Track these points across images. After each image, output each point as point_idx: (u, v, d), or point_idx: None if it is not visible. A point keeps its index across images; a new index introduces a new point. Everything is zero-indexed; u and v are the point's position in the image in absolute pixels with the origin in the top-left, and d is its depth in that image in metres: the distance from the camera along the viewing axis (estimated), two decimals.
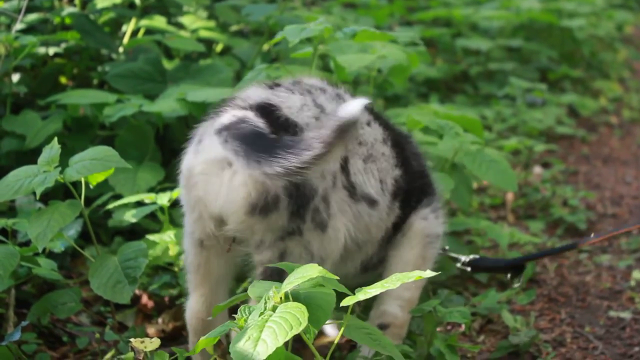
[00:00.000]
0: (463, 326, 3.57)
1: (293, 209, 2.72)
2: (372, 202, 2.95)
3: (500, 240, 4.00)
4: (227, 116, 2.71)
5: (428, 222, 3.17)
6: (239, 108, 2.75)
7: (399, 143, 3.12)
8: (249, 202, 2.70)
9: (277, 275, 2.67)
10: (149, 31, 4.81)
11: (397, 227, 3.14)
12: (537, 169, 5.60)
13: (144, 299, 3.70)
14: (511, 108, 6.26)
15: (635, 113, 7.09)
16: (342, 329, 2.52)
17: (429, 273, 2.40)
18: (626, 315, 3.81)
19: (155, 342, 2.70)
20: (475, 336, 3.57)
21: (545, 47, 7.40)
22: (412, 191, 3.14)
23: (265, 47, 4.91)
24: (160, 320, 3.60)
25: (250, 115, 2.70)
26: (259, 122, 2.67)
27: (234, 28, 5.47)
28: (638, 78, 8.21)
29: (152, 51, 4.60)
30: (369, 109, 3.06)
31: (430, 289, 3.68)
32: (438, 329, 3.45)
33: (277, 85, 2.90)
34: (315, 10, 6.01)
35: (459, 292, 3.85)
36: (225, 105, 2.81)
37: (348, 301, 2.42)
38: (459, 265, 3.64)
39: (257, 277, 2.79)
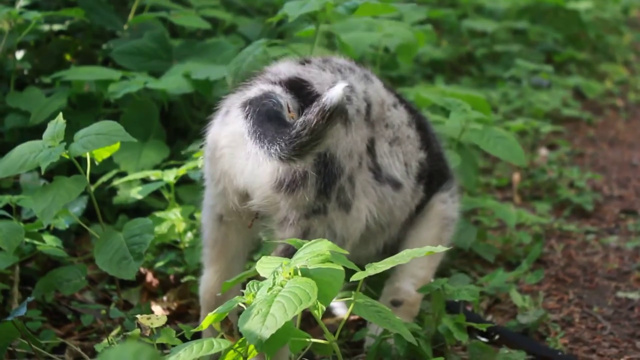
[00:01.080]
0: (472, 305, 3.55)
1: (320, 186, 2.67)
2: (396, 185, 2.93)
3: (508, 220, 3.97)
4: (255, 89, 2.67)
5: (446, 206, 3.19)
6: (268, 82, 2.71)
7: (423, 125, 3.13)
8: (276, 177, 2.65)
9: (289, 255, 2.63)
10: (154, 9, 4.77)
11: (419, 209, 3.15)
12: (543, 151, 5.57)
13: (149, 277, 3.68)
14: (517, 90, 6.23)
15: None
16: (351, 306, 2.49)
17: (440, 248, 2.37)
18: (634, 295, 3.79)
19: (162, 319, 2.68)
20: (484, 315, 3.54)
21: (551, 29, 7.36)
22: (433, 174, 3.15)
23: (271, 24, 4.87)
24: (165, 298, 3.57)
25: (278, 89, 2.66)
26: (286, 98, 2.63)
27: (240, 5, 5.43)
28: None
29: (157, 28, 4.56)
30: (393, 91, 3.08)
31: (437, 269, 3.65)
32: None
33: (308, 61, 2.86)
34: None
35: (465, 271, 3.82)
36: (255, 79, 2.77)
37: (358, 276, 2.40)
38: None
39: (277, 255, 2.74)
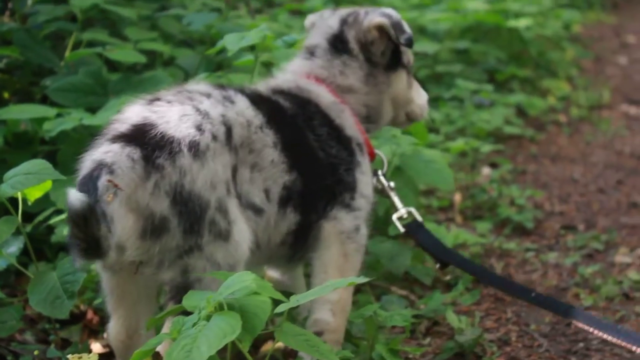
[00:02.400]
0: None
1: (185, 226, 2.68)
2: (257, 211, 2.91)
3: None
4: (93, 157, 2.66)
5: (338, 221, 3.13)
6: (111, 138, 2.71)
7: (297, 143, 3.05)
8: (138, 227, 2.66)
9: (184, 291, 2.62)
10: (92, 44, 4.78)
11: (307, 229, 3.12)
12: (486, 170, 5.64)
13: (90, 314, 3.68)
14: (459, 110, 6.30)
15: (583, 111, 7.16)
16: (277, 336, 2.52)
17: (361, 279, 2.40)
18: None
19: (93, 357, 2.69)
20: (422, 338, 3.58)
21: (493, 48, 7.45)
22: (317, 192, 3.09)
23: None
24: (105, 335, 3.58)
25: (115, 148, 2.65)
26: (123, 154, 2.63)
27: (179, 38, 5.46)
28: (586, 76, 8.30)
29: (94, 63, 4.57)
30: (267, 109, 3.01)
31: (372, 293, 3.69)
32: (387, 332, 3.47)
33: (157, 99, 2.85)
34: (261, 17, 6.00)
35: (403, 295, 3.86)
36: (105, 131, 2.77)
37: (281, 308, 2.43)
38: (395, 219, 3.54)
39: (167, 294, 2.76)
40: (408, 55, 3.44)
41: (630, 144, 6.45)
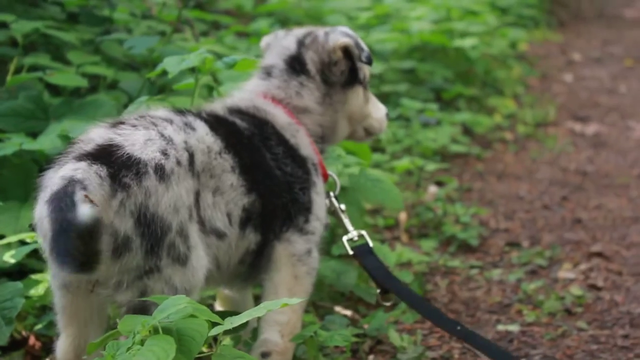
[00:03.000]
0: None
1: (147, 247, 2.70)
2: (220, 235, 2.96)
3: (387, 260, 4.03)
4: (61, 173, 2.66)
5: (290, 243, 3.18)
6: (76, 156, 2.72)
7: (255, 164, 3.09)
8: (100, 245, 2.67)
9: (141, 312, 2.65)
10: (35, 68, 4.76)
11: (265, 247, 3.16)
12: (432, 188, 5.67)
13: (32, 339, 3.65)
14: (405, 129, 6.33)
15: (529, 128, 7.24)
16: (214, 359, 2.52)
17: (295, 300, 2.41)
18: (514, 328, 3.88)
19: None
20: (365, 357, 3.58)
21: (439, 67, 7.51)
22: (274, 212, 3.13)
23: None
24: (49, 359, 3.55)
25: (83, 166, 2.66)
26: (88, 176, 2.63)
27: (123, 62, 5.45)
28: (532, 93, 8.39)
29: (36, 88, 4.55)
30: (225, 133, 3.05)
31: (316, 313, 3.69)
32: (331, 352, 3.48)
33: (121, 123, 2.87)
34: (207, 40, 6.00)
35: (346, 315, 3.86)
36: (68, 150, 2.79)
37: (215, 331, 2.43)
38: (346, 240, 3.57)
39: (122, 317, 2.76)
40: (364, 71, 3.50)
41: (575, 161, 6.52)
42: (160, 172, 2.74)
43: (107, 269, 2.70)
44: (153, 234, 2.71)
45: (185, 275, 2.78)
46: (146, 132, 2.83)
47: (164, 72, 3.88)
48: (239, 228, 3.02)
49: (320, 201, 3.29)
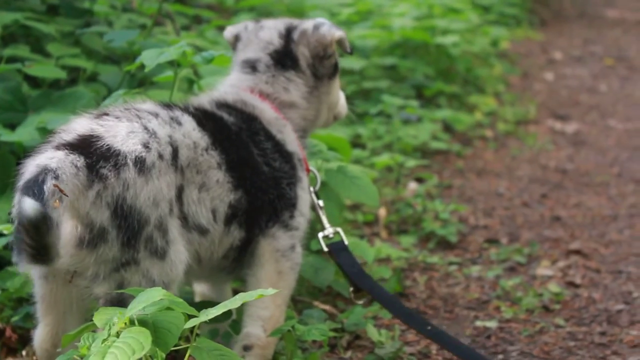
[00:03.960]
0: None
1: (123, 239, 2.70)
2: (203, 231, 2.96)
3: (366, 256, 4.03)
4: (37, 161, 2.65)
5: (275, 239, 3.18)
6: (54, 147, 2.71)
7: (242, 160, 3.09)
8: (76, 235, 2.68)
9: (118, 304, 2.64)
10: (14, 59, 4.73)
11: (250, 243, 3.16)
12: (412, 185, 5.67)
13: (8, 332, 3.63)
14: (386, 125, 6.33)
15: (510, 126, 7.25)
16: (192, 351, 2.51)
17: (271, 291, 2.40)
18: (492, 324, 3.88)
19: None
20: (343, 352, 3.58)
21: (421, 64, 7.50)
22: (260, 208, 3.14)
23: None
24: (24, 352, 3.53)
25: (60, 155, 2.64)
26: (67, 161, 2.63)
27: (103, 54, 5.42)
28: (513, 91, 8.40)
29: (13, 80, 4.52)
30: (212, 128, 3.04)
31: (295, 307, 3.68)
32: (309, 347, 3.47)
33: (105, 114, 2.87)
34: (188, 34, 5.98)
35: (325, 309, 3.86)
36: (49, 139, 2.79)
37: (192, 323, 2.42)
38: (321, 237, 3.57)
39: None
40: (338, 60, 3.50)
41: (555, 159, 6.54)
42: (140, 165, 2.74)
43: (83, 259, 2.69)
44: (130, 226, 2.70)
45: (164, 269, 2.77)
46: (129, 124, 2.82)
47: (144, 65, 3.87)
48: (224, 224, 3.02)
49: (305, 197, 3.31)
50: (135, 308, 2.38)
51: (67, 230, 2.67)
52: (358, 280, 3.45)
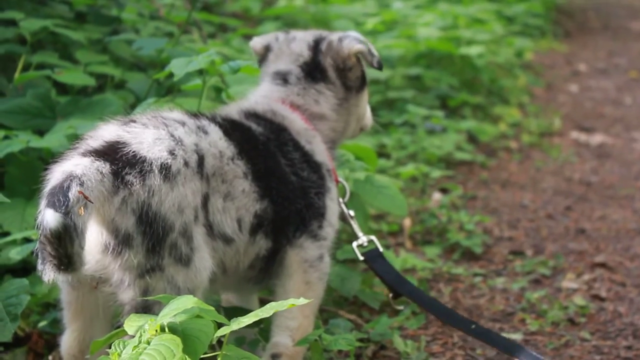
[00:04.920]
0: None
1: (148, 246, 2.71)
2: (227, 240, 2.96)
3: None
4: (56, 175, 2.65)
5: (303, 249, 3.19)
6: (82, 152, 2.73)
7: (269, 170, 3.10)
8: (101, 241, 2.69)
9: (144, 311, 2.67)
10: (42, 66, 4.77)
11: (277, 253, 3.17)
12: (437, 195, 5.66)
13: (35, 337, 3.65)
14: (410, 135, 6.33)
15: (534, 137, 7.23)
16: (219, 359, 2.52)
17: (302, 300, 2.41)
18: (517, 336, 3.87)
19: None
20: None
21: (445, 74, 7.51)
22: (287, 218, 3.14)
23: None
24: (51, 358, 3.55)
25: (86, 162, 2.66)
26: (93, 167, 2.64)
27: (130, 62, 5.45)
28: (537, 103, 8.38)
29: (43, 86, 4.56)
30: (239, 138, 3.06)
31: (321, 317, 3.69)
32: (335, 356, 3.48)
33: (132, 121, 2.88)
34: (214, 42, 6.01)
35: (350, 319, 3.86)
36: (76, 145, 2.81)
37: (222, 332, 2.42)
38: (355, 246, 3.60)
39: (125, 316, 2.76)
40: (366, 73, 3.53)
41: (579, 171, 6.52)
42: (166, 172, 2.75)
43: (108, 266, 2.71)
44: (155, 232, 2.71)
45: (188, 275, 2.78)
46: (156, 131, 2.83)
47: (172, 73, 3.89)
48: (249, 234, 3.03)
49: (333, 207, 3.32)
50: (167, 315, 2.39)
51: (93, 236, 2.68)
52: (397, 286, 3.48)
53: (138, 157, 2.73)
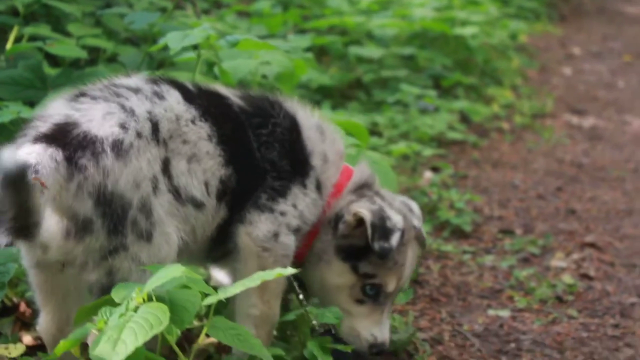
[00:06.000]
0: None
1: (110, 227, 2.67)
2: (198, 205, 2.88)
3: None
4: (9, 164, 2.51)
5: (252, 225, 3.00)
6: (33, 138, 2.69)
7: (235, 137, 2.99)
8: (62, 227, 2.66)
9: (107, 293, 2.61)
10: (34, 38, 4.75)
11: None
12: (428, 174, 5.67)
13: (22, 306, 3.65)
14: (403, 114, 6.33)
15: (526, 119, 7.24)
16: (207, 329, 2.52)
17: (291, 270, 2.41)
18: (505, 313, 3.89)
19: (20, 348, 2.68)
20: None
21: (439, 55, 7.50)
22: (246, 193, 3.01)
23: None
24: (38, 327, 3.55)
25: (37, 149, 2.62)
26: (46, 155, 2.61)
27: (123, 36, 5.44)
28: (530, 85, 8.38)
29: (34, 58, 4.54)
30: (202, 104, 2.95)
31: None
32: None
33: (83, 94, 2.82)
34: (208, 18, 5.99)
35: None
36: (27, 129, 2.76)
37: (209, 300, 2.43)
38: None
39: (93, 296, 2.74)
40: None
41: (571, 153, 6.53)
42: (118, 148, 2.69)
43: (71, 250, 2.68)
44: (115, 212, 2.68)
45: (152, 250, 2.74)
46: (106, 105, 2.77)
47: (164, 47, 3.87)
48: (217, 200, 2.93)
49: (302, 197, 3.10)
50: (154, 284, 2.39)
51: (53, 223, 2.64)
52: None
53: (89, 137, 2.67)
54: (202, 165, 2.89)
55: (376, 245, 3.03)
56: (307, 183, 3.11)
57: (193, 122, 2.90)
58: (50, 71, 4.44)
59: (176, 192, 2.82)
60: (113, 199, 2.67)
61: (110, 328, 2.33)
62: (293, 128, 3.13)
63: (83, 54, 4.51)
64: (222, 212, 2.97)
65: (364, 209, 3.08)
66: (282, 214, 3.02)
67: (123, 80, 2.95)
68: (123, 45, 5.18)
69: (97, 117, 2.72)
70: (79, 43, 4.79)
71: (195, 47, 3.96)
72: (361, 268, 3.11)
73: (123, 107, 2.78)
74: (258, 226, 2.99)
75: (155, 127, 2.80)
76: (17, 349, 2.67)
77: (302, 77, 5.36)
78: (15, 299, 3.63)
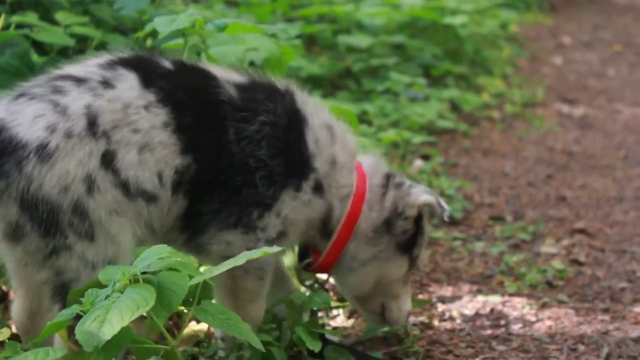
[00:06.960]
0: (336, 312, 3.59)
1: (40, 230, 2.65)
2: (150, 198, 2.78)
3: None
4: None
5: (229, 245, 2.94)
6: None
7: (201, 125, 2.85)
8: (0, 230, 2.67)
9: (62, 290, 2.66)
10: (22, 26, 4.72)
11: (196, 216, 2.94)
12: (418, 162, 5.66)
13: (12, 294, 3.63)
14: (393, 103, 6.32)
15: (517, 108, 7.24)
16: (190, 313, 2.51)
17: (276, 248, 2.40)
18: (495, 298, 3.88)
19: (5, 333, 2.66)
20: (345, 320, 3.59)
21: (429, 44, 7.49)
22: (208, 183, 2.89)
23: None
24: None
25: None
26: None
27: (112, 24, 5.41)
28: (521, 74, 8.38)
29: (21, 46, 4.51)
30: (166, 87, 2.82)
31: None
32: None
33: (23, 94, 2.76)
34: (196, 7, 5.97)
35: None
36: None
37: (195, 280, 2.42)
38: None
39: (47, 295, 2.74)
40: None
41: (562, 141, 6.53)
42: (42, 152, 2.64)
43: (13, 252, 2.69)
44: (43, 216, 2.65)
45: (99, 249, 2.70)
46: (38, 105, 2.70)
47: (153, 35, 3.85)
48: (172, 191, 2.82)
49: (289, 201, 2.99)
50: (141, 265, 2.38)
51: None
52: None
53: (14, 143, 2.64)
54: (155, 155, 2.77)
55: (445, 217, 3.20)
56: (302, 185, 3.00)
57: (146, 108, 2.79)
58: (37, 59, 4.42)
59: (124, 187, 2.73)
60: (39, 204, 2.64)
61: (97, 309, 2.32)
62: (292, 126, 2.99)
63: (70, 42, 4.49)
64: (181, 202, 2.85)
65: (422, 197, 3.16)
66: (263, 229, 2.95)
67: (73, 69, 2.89)
68: (112, 34, 5.15)
69: (26, 120, 2.67)
70: (67, 31, 4.76)
71: (183, 34, 3.93)
72: (414, 252, 3.22)
73: (57, 105, 2.70)
74: (234, 246, 2.92)
75: (92, 122, 2.71)
76: (2, 334, 2.66)
77: (292, 66, 5.35)
78: (4, 287, 3.62)
